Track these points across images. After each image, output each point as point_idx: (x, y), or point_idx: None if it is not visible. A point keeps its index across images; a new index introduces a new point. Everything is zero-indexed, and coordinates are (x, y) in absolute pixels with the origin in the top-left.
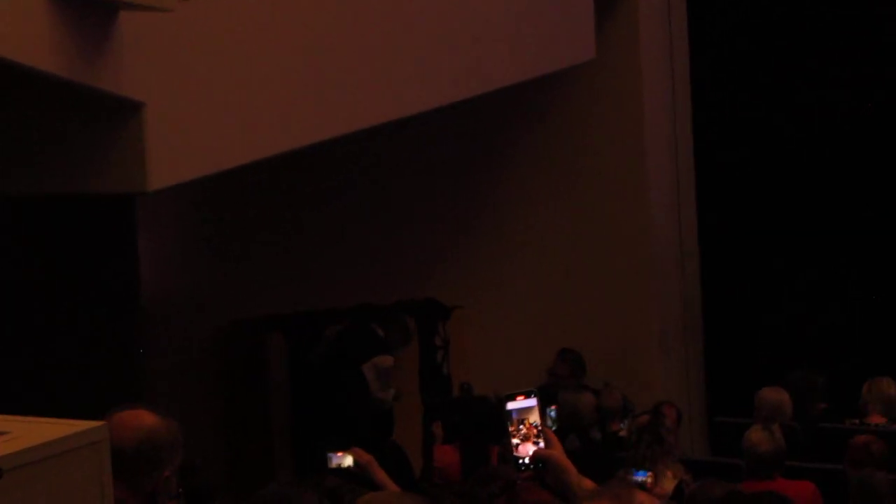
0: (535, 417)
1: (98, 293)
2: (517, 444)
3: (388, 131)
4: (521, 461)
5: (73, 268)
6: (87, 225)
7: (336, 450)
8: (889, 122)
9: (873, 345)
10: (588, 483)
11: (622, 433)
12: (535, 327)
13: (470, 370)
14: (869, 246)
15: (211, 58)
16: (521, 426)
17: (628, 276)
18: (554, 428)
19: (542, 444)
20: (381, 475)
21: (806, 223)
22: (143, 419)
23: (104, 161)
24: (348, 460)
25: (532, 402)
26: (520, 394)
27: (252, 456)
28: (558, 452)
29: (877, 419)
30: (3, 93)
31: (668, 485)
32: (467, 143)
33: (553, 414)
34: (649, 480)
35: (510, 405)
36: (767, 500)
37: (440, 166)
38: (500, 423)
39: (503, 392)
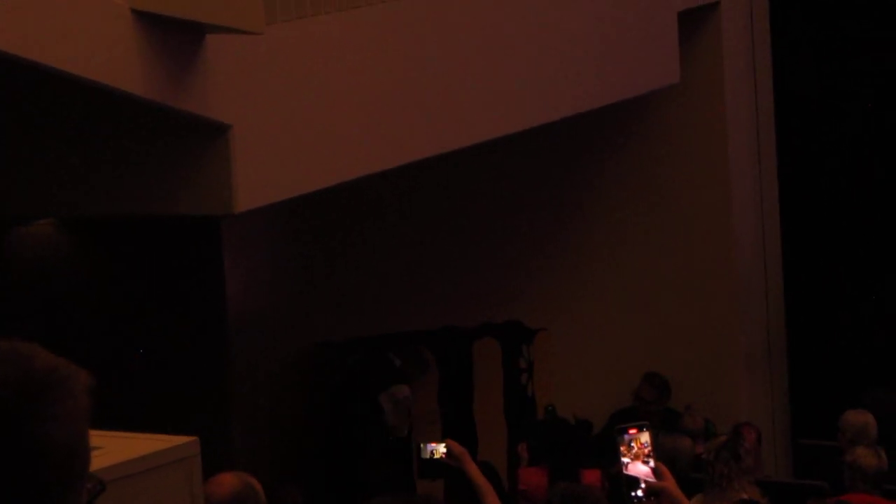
0: (645, 438)
1: (184, 314)
2: (627, 463)
3: (470, 155)
4: (633, 495)
5: (159, 289)
6: (173, 246)
7: (430, 440)
8: None
9: None
10: None
11: (704, 456)
12: (619, 350)
13: (554, 392)
14: None
15: (297, 80)
16: (633, 445)
17: (712, 298)
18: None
19: (651, 465)
20: (473, 468)
21: (892, 248)
22: (225, 485)
23: (191, 183)
24: (441, 449)
25: (644, 432)
26: (632, 427)
27: (340, 476)
28: (671, 484)
29: None
30: (90, 115)
31: None
32: (550, 166)
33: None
34: None
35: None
36: None
37: (523, 189)
38: (587, 446)
39: (581, 414)
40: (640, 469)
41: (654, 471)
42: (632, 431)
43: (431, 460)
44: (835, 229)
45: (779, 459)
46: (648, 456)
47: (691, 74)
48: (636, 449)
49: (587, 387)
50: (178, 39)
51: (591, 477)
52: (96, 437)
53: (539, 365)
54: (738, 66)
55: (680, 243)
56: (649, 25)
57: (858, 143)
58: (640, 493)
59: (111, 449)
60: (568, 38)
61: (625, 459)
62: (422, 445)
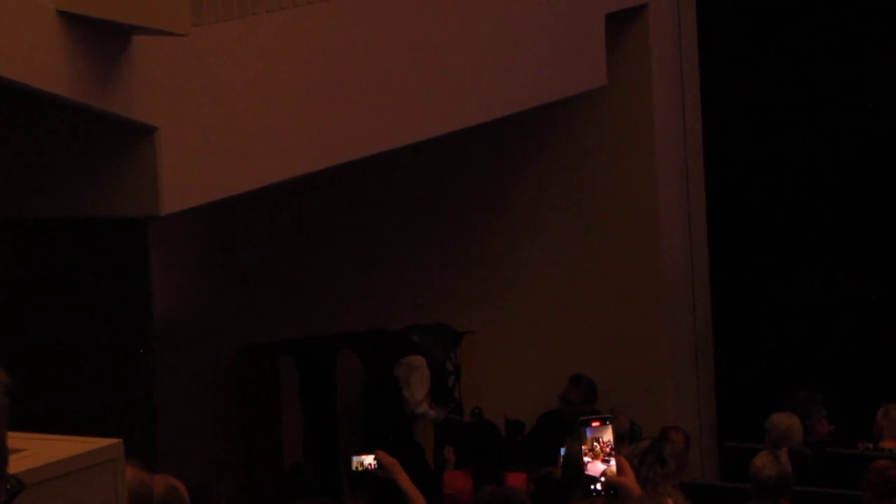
0: (608, 437)
1: (110, 317)
2: (587, 463)
3: (398, 156)
4: (592, 487)
5: (84, 292)
6: (98, 249)
7: (360, 452)
8: None
9: (887, 368)
10: None
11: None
12: (546, 352)
13: (481, 395)
14: (882, 270)
15: (224, 82)
16: (596, 444)
17: (639, 301)
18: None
19: (612, 464)
20: (403, 478)
21: (817, 250)
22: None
23: (117, 185)
24: (370, 461)
25: (607, 426)
26: (595, 419)
27: (265, 479)
28: (629, 480)
29: (891, 444)
30: (15, 116)
31: None
32: (477, 168)
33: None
34: None
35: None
36: None
37: (450, 191)
38: (514, 449)
39: (512, 416)
40: (598, 468)
41: (616, 466)
42: (595, 424)
43: (361, 472)
44: (762, 231)
45: (706, 462)
46: (609, 455)
47: (619, 76)
48: (598, 448)
49: (514, 389)
50: (104, 41)
51: (516, 480)
52: (19, 440)
53: (466, 367)
54: (665, 67)
55: (606, 245)
56: (577, 27)
57: (786, 145)
58: (598, 486)
59: (34, 451)
60: (494, 40)
61: (586, 459)
62: (351, 458)
